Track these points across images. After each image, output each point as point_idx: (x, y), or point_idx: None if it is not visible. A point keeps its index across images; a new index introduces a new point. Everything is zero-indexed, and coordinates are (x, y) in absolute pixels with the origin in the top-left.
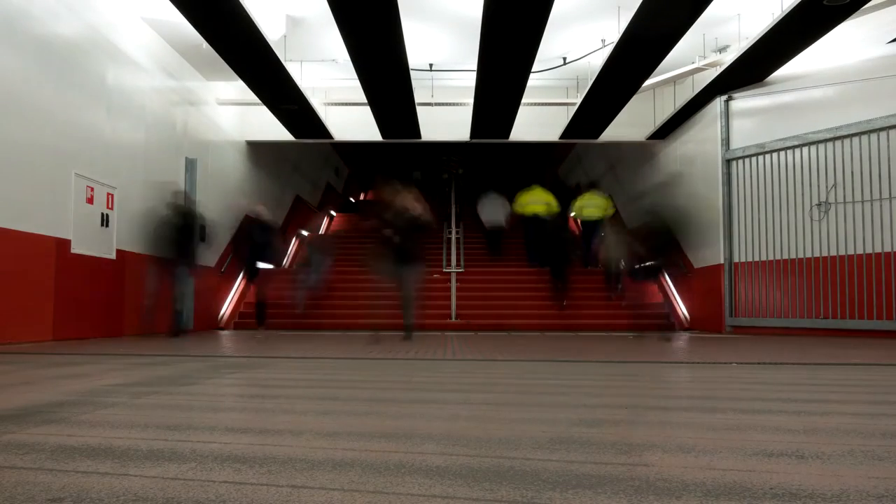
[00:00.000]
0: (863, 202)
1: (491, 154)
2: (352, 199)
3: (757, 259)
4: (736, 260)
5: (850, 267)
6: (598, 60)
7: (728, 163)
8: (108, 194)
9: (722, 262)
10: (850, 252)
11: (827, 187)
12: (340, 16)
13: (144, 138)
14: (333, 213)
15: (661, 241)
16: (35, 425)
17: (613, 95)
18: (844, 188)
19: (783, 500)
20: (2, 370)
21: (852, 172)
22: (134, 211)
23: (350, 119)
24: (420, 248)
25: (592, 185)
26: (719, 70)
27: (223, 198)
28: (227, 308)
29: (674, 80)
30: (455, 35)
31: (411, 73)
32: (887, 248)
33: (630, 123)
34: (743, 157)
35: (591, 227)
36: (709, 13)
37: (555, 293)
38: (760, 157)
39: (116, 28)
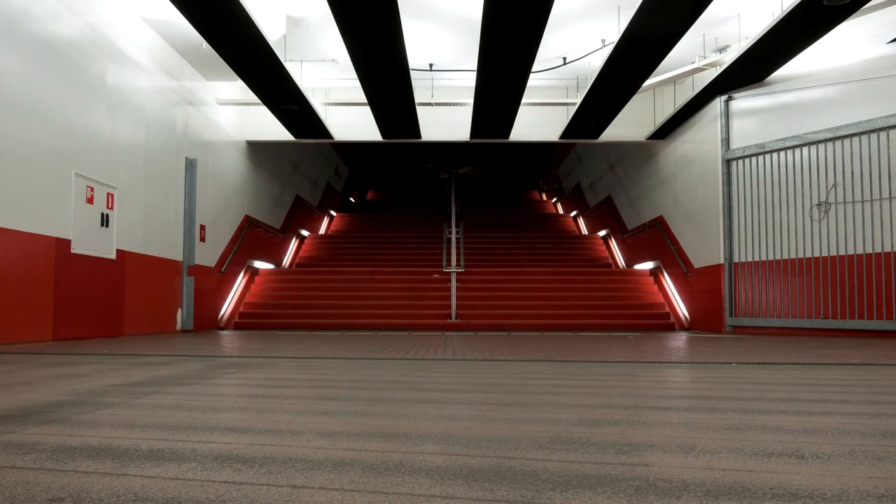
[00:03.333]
0: (863, 202)
1: (490, 153)
2: (352, 199)
3: (757, 259)
4: (736, 260)
5: (850, 267)
6: (598, 60)
7: (728, 163)
8: (108, 194)
9: (722, 262)
10: (850, 252)
11: (827, 187)
12: (340, 16)
13: (144, 138)
14: (333, 213)
15: None
16: (35, 425)
17: (613, 95)
18: (844, 188)
19: (783, 500)
20: (2, 370)
21: (852, 172)
22: (134, 211)
23: (350, 119)
24: None
25: None
26: (719, 70)
27: (223, 198)
28: (227, 308)
29: (674, 80)
30: (455, 35)
31: (411, 73)
32: (887, 248)
33: (630, 123)
34: (743, 158)
35: None
36: (709, 13)
37: None
38: (760, 157)
39: (116, 28)
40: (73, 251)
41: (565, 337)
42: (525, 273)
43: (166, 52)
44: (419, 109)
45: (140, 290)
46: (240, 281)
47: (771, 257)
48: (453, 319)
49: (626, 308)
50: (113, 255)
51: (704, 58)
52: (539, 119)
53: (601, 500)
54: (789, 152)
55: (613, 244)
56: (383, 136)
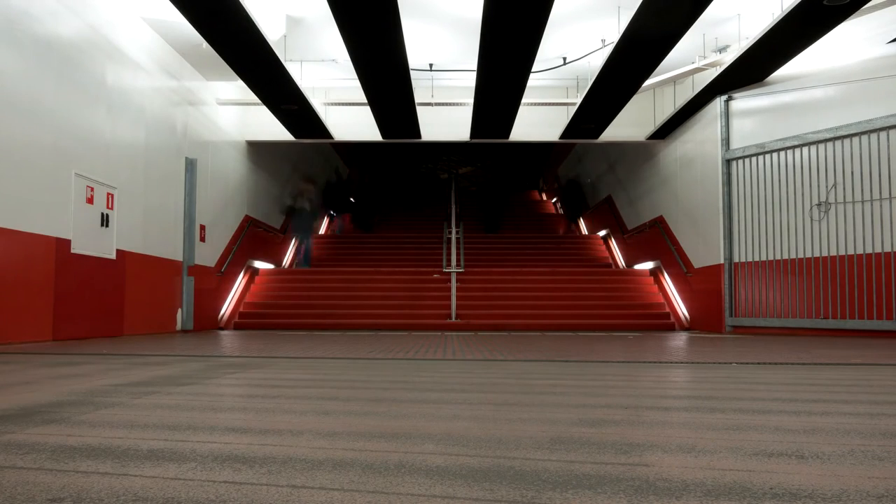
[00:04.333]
0: (863, 202)
1: (490, 153)
2: (352, 199)
3: (757, 259)
4: (736, 260)
5: (850, 267)
6: (598, 60)
7: (728, 163)
8: (108, 194)
9: (722, 262)
10: (850, 252)
11: (827, 187)
12: (340, 16)
13: (144, 138)
14: (333, 213)
15: None
16: (35, 425)
17: (613, 95)
18: (844, 188)
19: (783, 500)
20: (2, 370)
21: (852, 172)
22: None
23: (350, 119)
24: None
25: None
26: (719, 70)
27: (223, 198)
28: (227, 308)
29: (674, 80)
30: (455, 35)
31: (411, 73)
32: (887, 248)
33: (630, 123)
34: (743, 157)
35: None
36: (709, 13)
37: None
38: (760, 157)
39: (116, 28)
40: (73, 251)
41: (565, 337)
42: (525, 273)
43: (166, 52)
44: (419, 109)
45: (140, 290)
46: (240, 281)
47: (771, 257)
48: (453, 319)
49: (626, 308)
50: (113, 255)
51: (704, 58)
52: (539, 119)
53: (601, 500)
54: (789, 152)
55: (613, 244)
56: (383, 136)
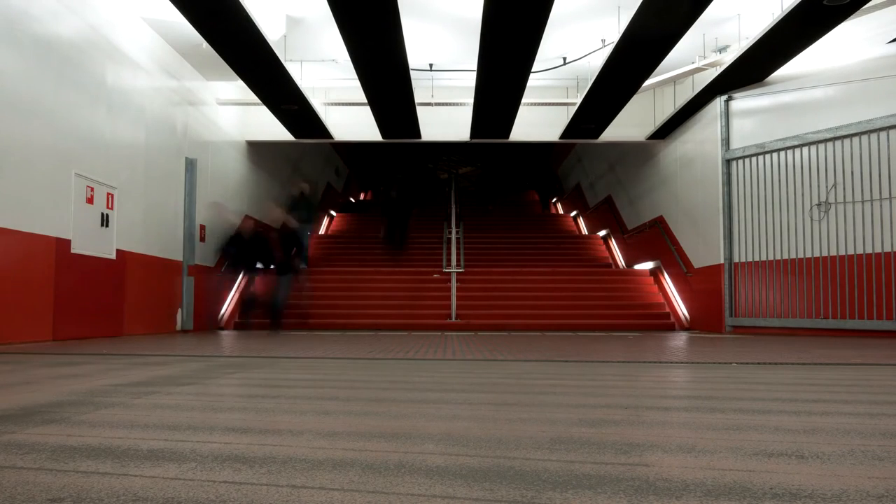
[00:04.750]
0: (863, 202)
1: (490, 153)
2: (352, 199)
3: (757, 259)
4: (736, 260)
5: (850, 267)
6: (598, 60)
7: (728, 163)
8: (108, 194)
9: (722, 262)
10: (850, 252)
11: (827, 187)
12: (340, 16)
13: (144, 138)
14: (333, 213)
15: None
16: (35, 425)
17: (613, 95)
18: (844, 188)
19: (783, 500)
20: (2, 370)
21: (852, 172)
22: (134, 211)
23: (350, 119)
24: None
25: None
26: (719, 70)
27: (223, 198)
28: (227, 308)
29: (674, 80)
30: (455, 35)
31: (411, 73)
32: (887, 248)
33: (630, 123)
34: (743, 157)
35: None
36: (709, 13)
37: None
38: (760, 157)
39: (116, 28)
40: (73, 251)
41: (565, 337)
42: (525, 273)
43: (166, 52)
44: (419, 109)
45: (140, 290)
46: (240, 281)
47: (771, 257)
48: (453, 319)
49: (626, 308)
50: (113, 255)
51: (704, 58)
52: (539, 119)
53: (601, 500)
54: (789, 152)
55: (613, 244)
56: (383, 136)
